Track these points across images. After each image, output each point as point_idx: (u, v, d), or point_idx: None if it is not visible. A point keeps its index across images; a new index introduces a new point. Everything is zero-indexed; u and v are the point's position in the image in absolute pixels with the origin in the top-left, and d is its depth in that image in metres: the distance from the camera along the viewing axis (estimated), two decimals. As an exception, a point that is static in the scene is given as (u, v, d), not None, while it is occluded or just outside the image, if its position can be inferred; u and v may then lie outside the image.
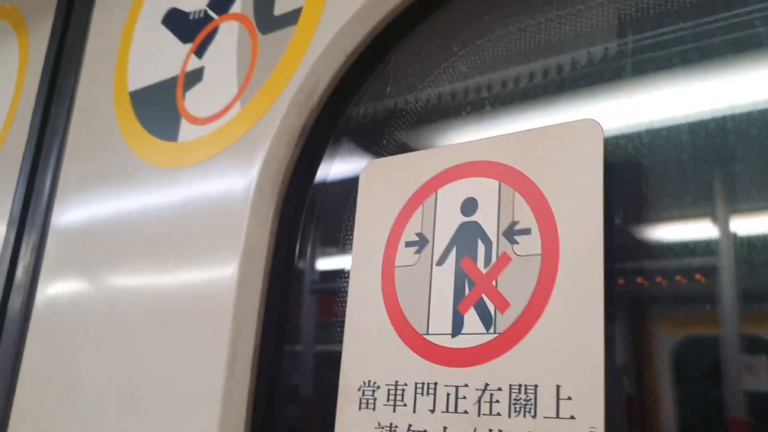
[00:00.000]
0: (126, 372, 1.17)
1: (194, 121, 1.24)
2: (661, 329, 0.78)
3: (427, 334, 0.90)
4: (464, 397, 0.84)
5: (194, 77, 1.28)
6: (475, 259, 0.89)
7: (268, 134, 1.11)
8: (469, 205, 0.92)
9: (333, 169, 1.13)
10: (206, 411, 1.02)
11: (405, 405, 0.88)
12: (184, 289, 1.15)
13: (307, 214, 1.13)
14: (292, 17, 1.13)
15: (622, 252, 0.81)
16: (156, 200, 1.23)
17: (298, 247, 1.12)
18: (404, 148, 1.05)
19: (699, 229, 0.80)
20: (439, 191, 0.96)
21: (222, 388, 1.01)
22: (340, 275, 1.07)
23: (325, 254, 1.14)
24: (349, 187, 1.07)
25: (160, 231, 1.21)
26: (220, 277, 1.08)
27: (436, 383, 0.86)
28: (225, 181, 1.14)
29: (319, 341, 1.11)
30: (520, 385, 0.80)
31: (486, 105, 0.97)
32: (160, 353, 1.13)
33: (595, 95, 0.90)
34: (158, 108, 1.32)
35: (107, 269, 1.28)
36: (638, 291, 0.80)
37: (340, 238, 1.09)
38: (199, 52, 1.29)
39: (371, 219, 1.01)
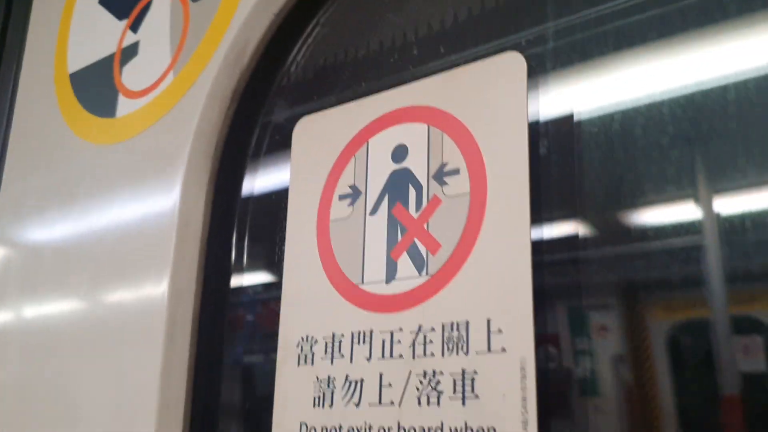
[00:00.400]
0: (60, 393, 1.13)
1: (131, 95, 1.22)
2: (586, 254, 0.77)
3: (362, 283, 0.88)
4: (399, 341, 0.82)
5: (130, 52, 1.25)
6: (406, 204, 0.88)
7: (200, 101, 1.09)
8: (399, 152, 0.91)
9: (269, 132, 1.11)
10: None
11: (342, 356, 0.86)
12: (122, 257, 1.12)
13: (246, 180, 1.10)
14: (219, -21, 1.11)
15: (548, 183, 0.79)
16: (92, 177, 1.21)
17: (236, 218, 1.10)
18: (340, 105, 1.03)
19: (630, 158, 0.79)
20: (370, 141, 0.94)
21: (156, 406, 0.98)
22: (279, 251, 1.03)
23: (263, 223, 1.11)
24: (286, 149, 1.05)
25: (97, 210, 1.19)
26: (156, 251, 1.05)
27: (371, 331, 0.85)
28: (160, 151, 1.12)
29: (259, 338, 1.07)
30: (452, 323, 0.78)
31: (413, 50, 0.95)
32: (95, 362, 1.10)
33: (523, 29, 0.89)
34: (97, 87, 1.29)
35: (49, 262, 1.25)
36: (564, 221, 0.78)
37: (279, 206, 1.06)
38: (135, 26, 1.26)
39: (305, 175, 0.99)
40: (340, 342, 0.87)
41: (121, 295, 1.10)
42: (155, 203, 1.09)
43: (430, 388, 0.78)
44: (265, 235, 1.08)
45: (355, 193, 0.93)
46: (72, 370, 1.13)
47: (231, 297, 1.08)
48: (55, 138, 1.32)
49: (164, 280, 1.02)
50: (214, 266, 1.05)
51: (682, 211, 0.72)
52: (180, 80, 1.13)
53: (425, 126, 0.89)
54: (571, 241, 0.77)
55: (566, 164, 0.79)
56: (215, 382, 1.04)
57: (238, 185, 1.10)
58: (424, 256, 0.84)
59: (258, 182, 1.09)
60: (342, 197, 0.94)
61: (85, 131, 1.27)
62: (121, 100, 1.23)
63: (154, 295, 1.03)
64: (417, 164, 0.88)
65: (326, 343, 0.88)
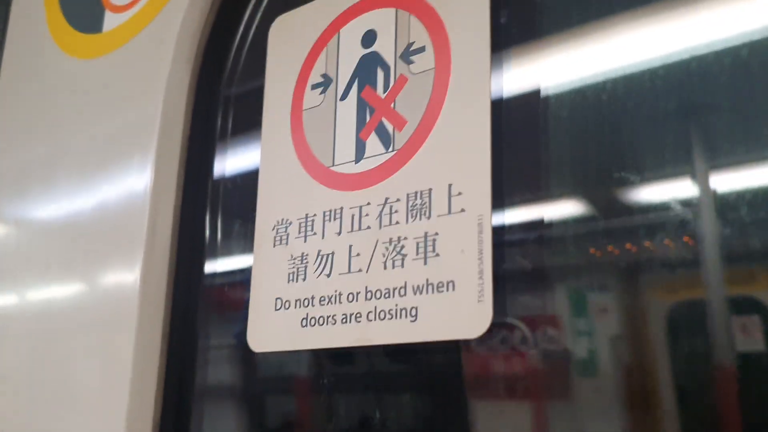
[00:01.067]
0: (30, 382, 1.14)
1: (117, 9, 1.24)
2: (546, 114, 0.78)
3: (333, 165, 0.90)
4: (367, 215, 0.84)
5: (115, -31, 1.27)
6: (375, 87, 0.89)
7: (182, 8, 1.11)
8: (368, 37, 0.92)
9: (251, 38, 1.13)
10: (113, 418, 0.99)
11: (314, 233, 0.89)
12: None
13: (226, 83, 1.13)
14: None
15: (509, 53, 0.81)
16: (81, 92, 1.24)
17: (218, 123, 1.13)
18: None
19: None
20: (341, 30, 0.96)
21: (128, 388, 0.98)
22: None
23: (243, 134, 1.13)
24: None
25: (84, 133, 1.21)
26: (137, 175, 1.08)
27: (342, 208, 0.87)
28: (145, 59, 1.14)
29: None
30: (416, 192, 0.81)
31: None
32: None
33: None
34: (84, 6, 1.32)
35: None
36: (524, 91, 0.80)
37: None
38: (118, -56, 1.28)
39: (280, 70, 1.01)
40: (312, 221, 0.90)
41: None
42: (139, 109, 1.12)
43: (395, 253, 0.80)
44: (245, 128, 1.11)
45: (326, 81, 0.95)
46: (48, 353, 1.13)
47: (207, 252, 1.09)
48: (44, 56, 1.35)
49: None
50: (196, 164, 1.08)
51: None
52: (162, -11, 1.15)
53: (393, 9, 0.91)
54: (530, 104, 0.78)
55: (528, 34, 0.81)
56: (188, 365, 1.04)
57: (219, 87, 1.12)
58: (391, 133, 0.86)
59: (238, 82, 1.11)
60: (314, 86, 0.96)
61: (73, 48, 1.29)
62: (108, 15, 1.25)
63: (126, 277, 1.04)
64: (385, 47, 0.90)
65: (300, 224, 0.91)
